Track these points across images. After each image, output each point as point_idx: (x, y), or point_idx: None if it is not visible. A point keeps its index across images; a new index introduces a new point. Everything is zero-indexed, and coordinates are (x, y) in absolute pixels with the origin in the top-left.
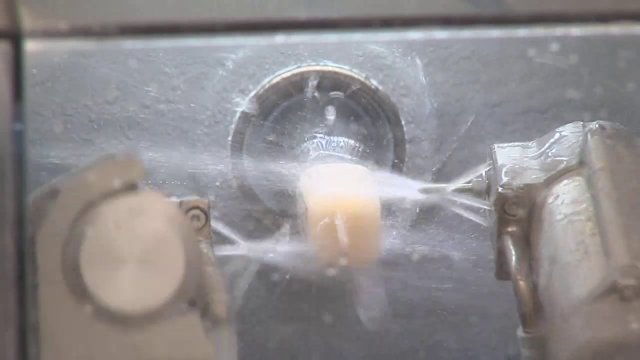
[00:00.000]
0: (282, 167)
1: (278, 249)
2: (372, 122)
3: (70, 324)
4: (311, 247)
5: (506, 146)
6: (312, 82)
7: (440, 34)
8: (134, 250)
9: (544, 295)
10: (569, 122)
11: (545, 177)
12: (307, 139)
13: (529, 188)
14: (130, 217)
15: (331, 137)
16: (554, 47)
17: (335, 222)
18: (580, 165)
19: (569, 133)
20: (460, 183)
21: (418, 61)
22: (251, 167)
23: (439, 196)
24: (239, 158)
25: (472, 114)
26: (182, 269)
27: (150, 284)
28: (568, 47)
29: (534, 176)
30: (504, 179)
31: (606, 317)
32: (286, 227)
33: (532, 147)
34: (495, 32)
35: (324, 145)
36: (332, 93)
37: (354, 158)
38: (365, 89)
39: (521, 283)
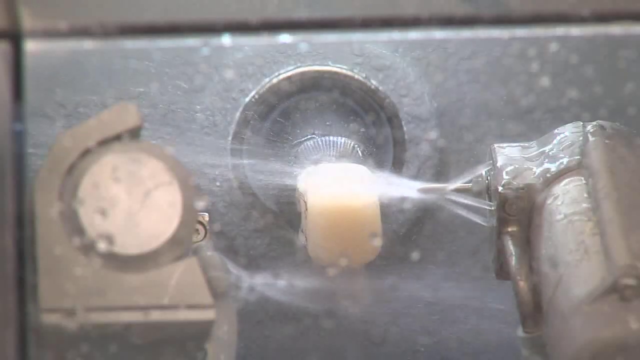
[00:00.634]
0: (282, 167)
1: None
2: (372, 122)
3: (68, 268)
4: (311, 247)
5: (506, 146)
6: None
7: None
8: (130, 193)
9: (544, 296)
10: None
11: (545, 177)
12: (307, 139)
13: (529, 188)
14: (127, 161)
15: (330, 138)
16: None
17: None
18: (580, 165)
19: (568, 133)
20: (459, 183)
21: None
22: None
23: (438, 196)
24: (238, 158)
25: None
26: (179, 212)
27: (148, 227)
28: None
29: (534, 176)
30: (505, 179)
31: (606, 317)
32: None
33: (532, 147)
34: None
35: (323, 146)
36: (331, 93)
37: (353, 158)
38: (365, 89)
39: (521, 283)
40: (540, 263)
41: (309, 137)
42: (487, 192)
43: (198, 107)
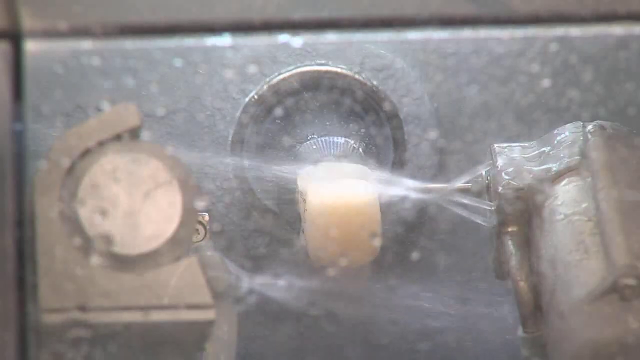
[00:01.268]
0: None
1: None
2: (372, 122)
3: (68, 268)
4: (310, 247)
5: (506, 146)
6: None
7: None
8: (130, 193)
9: (544, 295)
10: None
11: (545, 177)
12: (307, 139)
13: (529, 188)
14: (127, 161)
15: (330, 138)
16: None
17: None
18: (581, 165)
19: (568, 133)
20: (459, 183)
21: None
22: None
23: (439, 196)
24: (238, 158)
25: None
26: (179, 212)
27: (148, 227)
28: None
29: (533, 176)
30: (505, 179)
31: (606, 317)
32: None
33: (532, 147)
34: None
35: (323, 146)
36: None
37: (353, 158)
38: (364, 89)
39: (521, 283)
40: (540, 263)
41: (308, 137)
42: (487, 192)
43: (197, 106)
